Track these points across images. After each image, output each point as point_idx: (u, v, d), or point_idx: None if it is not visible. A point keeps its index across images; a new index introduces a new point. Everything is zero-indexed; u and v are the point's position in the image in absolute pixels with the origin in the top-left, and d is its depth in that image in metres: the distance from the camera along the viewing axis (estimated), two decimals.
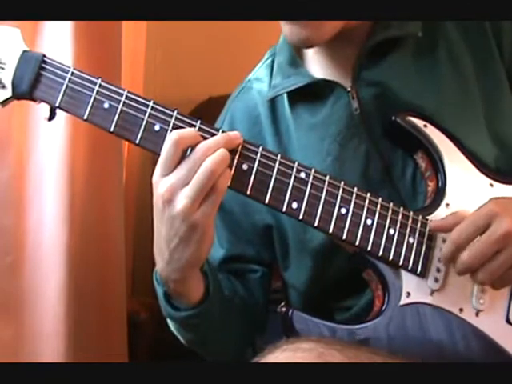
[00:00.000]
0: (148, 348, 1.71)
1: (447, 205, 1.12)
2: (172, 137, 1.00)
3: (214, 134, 1.05)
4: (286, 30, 1.13)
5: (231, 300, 1.21)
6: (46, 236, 1.51)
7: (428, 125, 1.14)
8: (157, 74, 1.84)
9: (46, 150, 1.51)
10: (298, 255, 1.23)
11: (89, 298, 1.57)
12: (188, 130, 1.02)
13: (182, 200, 1.00)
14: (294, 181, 1.06)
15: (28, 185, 1.51)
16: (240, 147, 1.05)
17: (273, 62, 1.28)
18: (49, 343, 1.51)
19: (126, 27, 1.61)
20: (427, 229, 1.10)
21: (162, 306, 1.15)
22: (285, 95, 1.22)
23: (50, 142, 1.50)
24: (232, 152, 1.04)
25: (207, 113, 1.34)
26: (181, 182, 1.00)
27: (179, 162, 1.01)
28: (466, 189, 1.13)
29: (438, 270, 1.10)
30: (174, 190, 1.00)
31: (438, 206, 1.12)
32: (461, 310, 1.10)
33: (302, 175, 1.07)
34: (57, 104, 1.04)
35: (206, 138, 1.04)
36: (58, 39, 1.48)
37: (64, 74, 1.04)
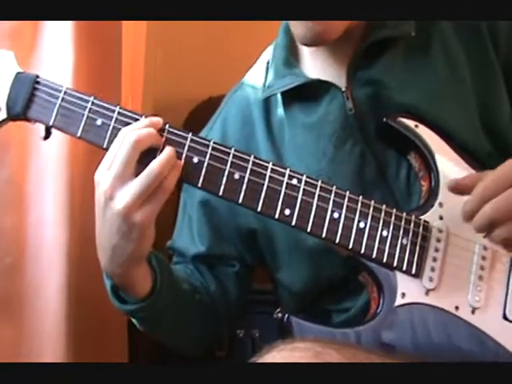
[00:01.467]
0: (148, 348, 1.71)
1: (440, 204, 1.13)
2: (131, 138, 1.01)
3: (205, 145, 1.06)
4: (298, 28, 1.14)
5: (190, 296, 1.22)
6: (47, 236, 1.51)
7: (419, 125, 1.15)
8: (157, 74, 1.83)
9: (45, 150, 1.51)
10: (290, 256, 1.23)
11: (89, 298, 1.57)
12: (146, 131, 1.02)
13: (123, 198, 1.01)
14: (286, 188, 1.07)
15: (28, 185, 1.51)
16: (231, 156, 1.06)
17: (268, 62, 1.28)
18: (49, 343, 1.51)
19: (125, 27, 1.60)
20: (420, 229, 1.11)
21: (110, 298, 1.15)
22: (279, 95, 1.22)
23: (49, 141, 1.49)
24: (223, 162, 1.06)
25: (207, 113, 1.35)
26: (125, 177, 1.01)
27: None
28: None
29: (433, 270, 1.10)
30: (116, 186, 1.01)
31: (432, 205, 1.13)
32: (457, 308, 1.10)
33: (294, 181, 1.07)
34: (50, 123, 1.07)
35: (195, 149, 1.05)
36: (58, 40, 1.48)
37: (57, 94, 1.07)
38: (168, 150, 1.04)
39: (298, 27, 1.14)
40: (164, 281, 1.13)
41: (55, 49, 1.48)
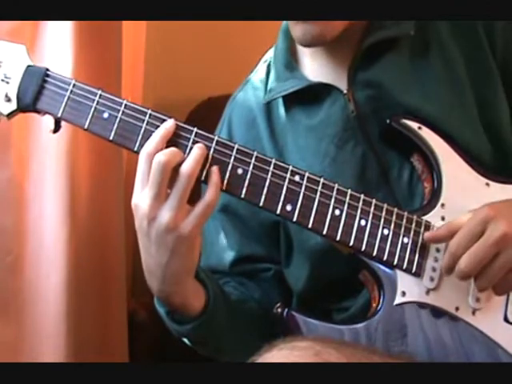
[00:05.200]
0: (148, 348, 1.71)
1: (442, 205, 1.13)
2: (146, 150, 1.02)
3: (210, 140, 1.06)
4: (296, 29, 1.14)
5: (240, 305, 1.22)
6: (47, 236, 1.51)
7: (422, 127, 1.15)
8: (156, 74, 1.84)
9: (46, 150, 1.51)
10: (297, 254, 1.24)
11: (89, 298, 1.57)
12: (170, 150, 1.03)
13: (166, 214, 1.02)
14: (289, 183, 1.07)
15: (29, 184, 1.51)
16: (235, 152, 1.06)
17: (269, 65, 1.28)
18: (49, 343, 1.51)
19: (126, 27, 1.61)
20: (422, 228, 1.11)
21: (168, 325, 1.16)
22: (280, 98, 1.22)
23: (50, 141, 1.50)
24: (227, 157, 1.06)
25: (207, 113, 1.35)
26: (163, 194, 1.02)
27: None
28: (462, 189, 1.14)
29: (434, 269, 1.10)
30: (157, 206, 1.02)
31: (434, 206, 1.12)
32: (457, 308, 1.10)
33: (297, 178, 1.07)
34: (59, 115, 1.08)
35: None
36: (58, 40, 1.48)
37: (66, 86, 1.08)
38: (194, 151, 1.04)
39: (296, 28, 1.14)
40: (216, 291, 1.14)
41: (55, 49, 1.48)
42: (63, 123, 1.10)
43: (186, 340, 1.19)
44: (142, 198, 1.03)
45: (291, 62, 1.23)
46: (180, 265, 1.06)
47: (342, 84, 1.19)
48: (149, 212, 1.02)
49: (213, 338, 1.17)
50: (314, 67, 1.23)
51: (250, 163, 1.07)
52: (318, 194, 1.07)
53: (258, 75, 1.30)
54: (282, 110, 1.23)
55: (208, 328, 1.13)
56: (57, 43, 1.48)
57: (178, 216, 1.02)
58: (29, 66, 1.09)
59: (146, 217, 1.03)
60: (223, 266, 1.28)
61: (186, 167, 1.02)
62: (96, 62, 1.52)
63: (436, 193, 1.13)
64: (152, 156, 1.02)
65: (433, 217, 1.12)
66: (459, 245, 1.05)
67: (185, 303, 1.11)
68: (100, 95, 1.07)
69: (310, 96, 1.20)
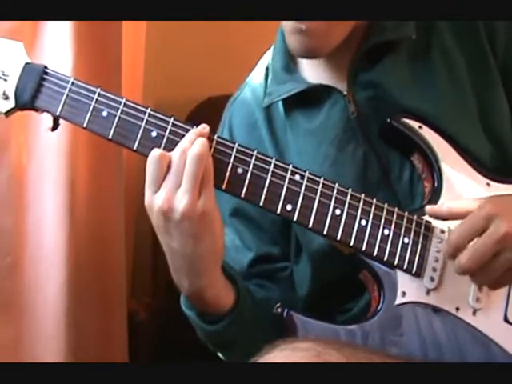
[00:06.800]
0: (148, 348, 1.71)
1: (442, 205, 1.12)
2: (153, 154, 1.02)
3: (210, 139, 1.06)
4: (292, 40, 1.13)
5: (264, 304, 1.20)
6: (46, 237, 1.51)
7: (423, 126, 1.15)
8: (156, 73, 1.84)
9: (46, 151, 1.51)
10: (304, 253, 1.24)
11: (89, 299, 1.57)
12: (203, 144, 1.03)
13: (182, 199, 1.01)
14: (289, 183, 1.07)
15: (28, 185, 1.51)
16: (235, 151, 1.06)
17: (268, 67, 1.27)
18: (49, 343, 1.51)
19: (125, 27, 1.61)
20: (422, 229, 1.11)
21: (199, 328, 1.15)
22: (280, 101, 1.22)
23: (50, 142, 1.50)
24: (227, 156, 1.06)
25: (207, 113, 1.35)
26: (174, 186, 1.01)
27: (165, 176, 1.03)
28: (462, 189, 1.14)
29: (434, 270, 1.10)
30: (170, 197, 1.01)
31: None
32: (457, 308, 1.10)
33: (297, 177, 1.07)
34: (57, 113, 1.07)
35: None
36: (57, 40, 1.48)
37: (64, 84, 1.07)
38: (199, 139, 1.04)
39: (291, 40, 1.13)
40: (243, 288, 1.13)
41: (55, 49, 1.48)
42: (63, 123, 1.10)
43: (210, 344, 1.18)
44: (153, 196, 1.02)
45: (290, 64, 1.23)
46: (205, 250, 1.04)
47: (342, 85, 1.19)
48: (162, 205, 1.01)
49: (240, 338, 1.16)
50: (313, 69, 1.22)
51: (249, 163, 1.07)
52: (319, 193, 1.07)
53: (256, 78, 1.29)
54: (282, 113, 1.23)
55: (237, 326, 1.12)
56: (57, 43, 1.48)
57: (193, 199, 1.01)
58: (27, 64, 1.08)
59: (161, 212, 1.01)
60: (241, 269, 1.26)
61: (193, 150, 1.02)
62: (96, 61, 1.52)
63: (436, 192, 1.13)
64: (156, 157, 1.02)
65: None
66: (459, 236, 1.04)
67: (217, 298, 1.10)
68: (99, 93, 1.06)
69: (309, 98, 1.20)
